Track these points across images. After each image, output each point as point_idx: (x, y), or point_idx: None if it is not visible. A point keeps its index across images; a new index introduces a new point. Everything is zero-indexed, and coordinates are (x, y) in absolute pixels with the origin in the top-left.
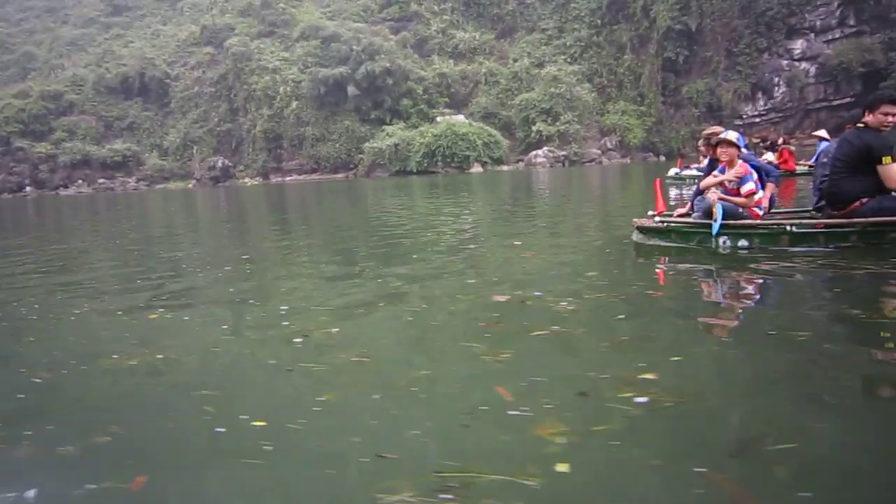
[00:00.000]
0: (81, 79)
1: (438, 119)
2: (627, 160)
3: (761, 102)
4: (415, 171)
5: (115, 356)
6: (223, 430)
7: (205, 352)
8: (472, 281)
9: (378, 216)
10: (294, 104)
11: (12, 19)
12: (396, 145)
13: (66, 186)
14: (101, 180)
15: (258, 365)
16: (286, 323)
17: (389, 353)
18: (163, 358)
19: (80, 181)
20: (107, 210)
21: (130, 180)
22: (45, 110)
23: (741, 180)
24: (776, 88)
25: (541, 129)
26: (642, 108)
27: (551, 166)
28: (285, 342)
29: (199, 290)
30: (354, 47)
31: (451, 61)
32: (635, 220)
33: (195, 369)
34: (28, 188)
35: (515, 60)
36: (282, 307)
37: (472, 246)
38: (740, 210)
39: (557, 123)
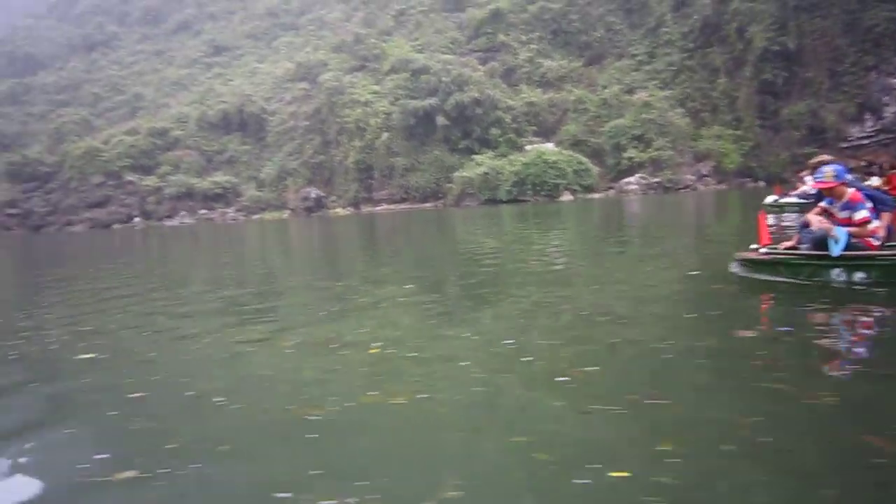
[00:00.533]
0: (185, 116)
1: (528, 147)
2: (723, 186)
3: (869, 123)
4: (504, 199)
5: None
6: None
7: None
8: (567, 317)
9: (468, 246)
10: (385, 136)
11: (124, 62)
12: (486, 174)
13: (170, 217)
14: (202, 211)
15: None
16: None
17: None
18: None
19: (183, 212)
20: (209, 239)
21: (229, 211)
22: (153, 146)
23: (853, 208)
24: (886, 108)
25: (632, 155)
26: (738, 132)
27: (644, 193)
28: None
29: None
30: (444, 79)
31: (539, 90)
32: (739, 252)
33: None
34: (136, 219)
35: (605, 87)
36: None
37: (564, 278)
38: (854, 240)
39: (649, 150)
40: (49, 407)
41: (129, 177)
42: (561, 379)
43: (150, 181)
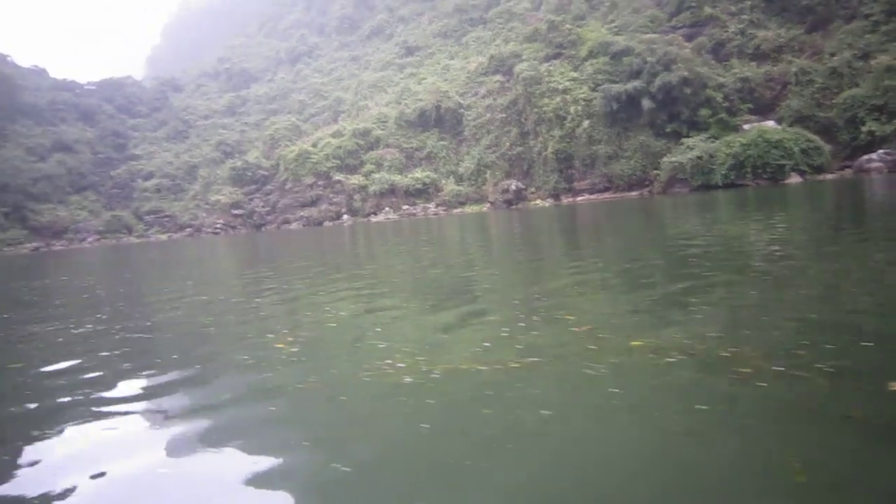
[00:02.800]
0: (384, 116)
1: (746, 127)
2: None
3: None
4: (720, 184)
5: None
6: None
7: None
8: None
9: (685, 238)
10: (585, 123)
11: (324, 70)
12: (698, 158)
13: (375, 213)
14: (404, 207)
15: None
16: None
17: None
18: None
19: (387, 208)
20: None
21: (430, 206)
22: (357, 146)
23: None
24: None
25: (872, 129)
26: None
27: (890, 172)
28: None
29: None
30: (648, 59)
31: (753, 63)
32: None
33: None
34: (345, 216)
35: (833, 55)
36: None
37: (792, 276)
38: None
39: (895, 121)
40: None
41: (337, 176)
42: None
43: (356, 180)
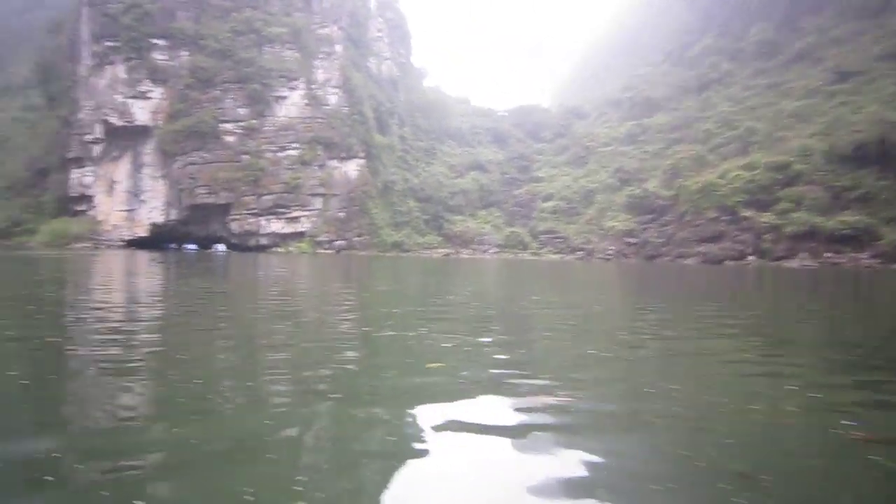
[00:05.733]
0: (808, 148)
1: None
2: None
3: None
4: None
5: None
6: None
7: None
8: None
9: None
10: None
11: (736, 98)
12: None
13: (788, 258)
14: (827, 254)
15: None
16: None
17: None
18: None
19: (803, 253)
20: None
21: (863, 255)
22: (772, 180)
23: None
24: None
25: None
26: None
27: None
28: None
29: None
30: None
31: None
32: None
33: None
34: (750, 257)
35: None
36: None
37: None
38: None
39: None
40: None
41: (745, 212)
42: None
43: (767, 217)
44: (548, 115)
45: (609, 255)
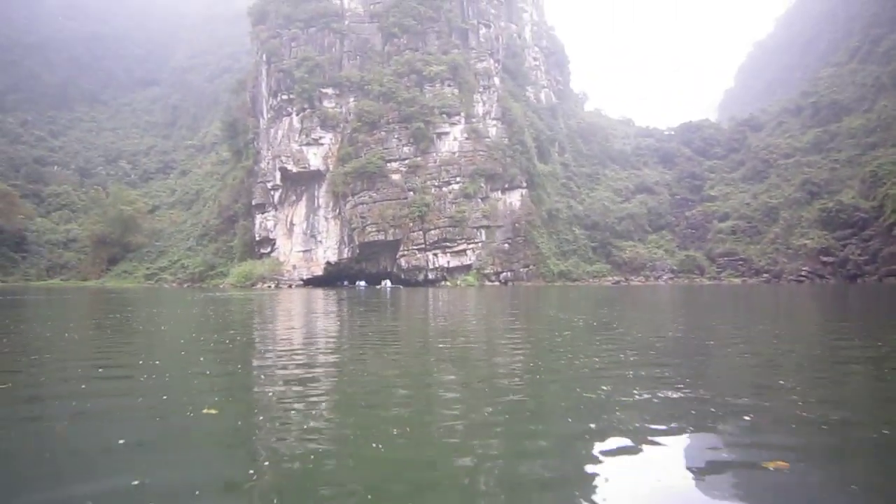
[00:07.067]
0: None
1: None
2: None
3: None
4: None
5: None
6: None
7: None
8: None
9: None
10: None
11: None
12: None
13: None
14: None
15: None
16: None
17: None
18: None
19: None
20: None
21: None
22: None
23: None
24: None
25: None
26: None
27: None
28: None
29: None
30: None
31: None
32: None
33: None
34: None
35: None
36: None
37: None
38: None
39: None
40: None
41: None
42: None
43: None
44: (718, 130)
45: (802, 275)
